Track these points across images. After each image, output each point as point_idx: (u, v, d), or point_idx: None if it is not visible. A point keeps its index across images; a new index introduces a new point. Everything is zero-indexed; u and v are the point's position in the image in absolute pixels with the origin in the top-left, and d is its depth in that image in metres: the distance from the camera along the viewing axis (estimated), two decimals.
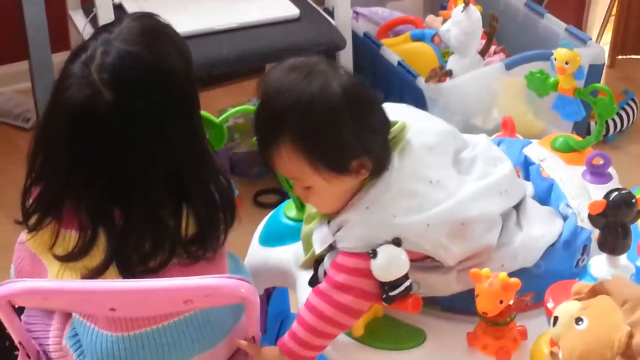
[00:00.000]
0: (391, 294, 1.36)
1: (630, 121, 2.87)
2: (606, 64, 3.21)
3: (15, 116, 2.90)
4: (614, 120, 2.82)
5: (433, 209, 1.37)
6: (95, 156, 1.32)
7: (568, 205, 1.56)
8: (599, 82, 2.51)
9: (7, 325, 1.40)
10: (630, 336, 1.19)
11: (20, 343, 1.45)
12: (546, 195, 1.63)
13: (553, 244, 1.49)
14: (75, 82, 1.29)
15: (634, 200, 1.42)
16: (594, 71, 2.44)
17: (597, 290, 1.28)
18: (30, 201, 1.38)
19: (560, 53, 1.83)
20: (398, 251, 1.35)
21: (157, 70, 1.31)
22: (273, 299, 1.84)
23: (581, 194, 1.60)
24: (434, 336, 1.46)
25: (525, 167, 1.68)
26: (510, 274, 1.37)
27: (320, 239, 1.43)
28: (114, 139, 1.31)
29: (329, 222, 1.41)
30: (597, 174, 1.75)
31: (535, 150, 1.73)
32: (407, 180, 1.38)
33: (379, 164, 1.37)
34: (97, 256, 1.35)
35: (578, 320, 1.25)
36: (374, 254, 1.34)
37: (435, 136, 1.46)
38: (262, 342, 1.51)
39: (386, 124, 1.39)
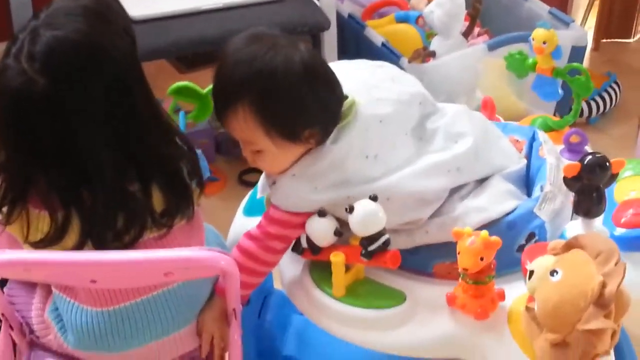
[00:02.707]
0: (369, 248, 1.41)
1: (613, 103, 2.90)
2: (590, 47, 3.25)
3: None
4: (596, 102, 2.85)
5: (358, 186, 1.44)
6: (45, 143, 1.32)
7: (541, 189, 1.56)
8: (582, 64, 2.54)
9: None
10: (603, 286, 1.24)
11: (2, 314, 1.47)
12: (535, 173, 1.64)
13: (497, 220, 1.49)
14: (9, 74, 1.29)
15: (608, 164, 1.45)
16: (577, 53, 2.47)
17: (571, 245, 1.32)
18: None
19: (537, 33, 1.85)
20: (374, 207, 1.39)
21: (87, 51, 1.30)
22: None
23: (560, 185, 1.58)
24: (414, 297, 1.48)
25: (531, 142, 1.69)
26: (446, 243, 1.42)
27: (261, 186, 1.55)
28: (58, 123, 1.31)
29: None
30: (575, 151, 1.77)
31: (543, 132, 1.74)
32: (339, 154, 1.44)
33: (325, 136, 1.44)
34: (71, 237, 1.36)
35: (553, 272, 1.29)
36: (350, 209, 1.39)
37: (391, 106, 1.50)
38: (244, 316, 1.54)
39: (340, 100, 1.45)
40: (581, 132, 1.79)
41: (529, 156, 1.66)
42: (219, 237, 1.64)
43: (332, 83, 1.45)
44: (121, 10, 1.40)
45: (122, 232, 1.37)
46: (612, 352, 1.40)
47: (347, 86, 1.48)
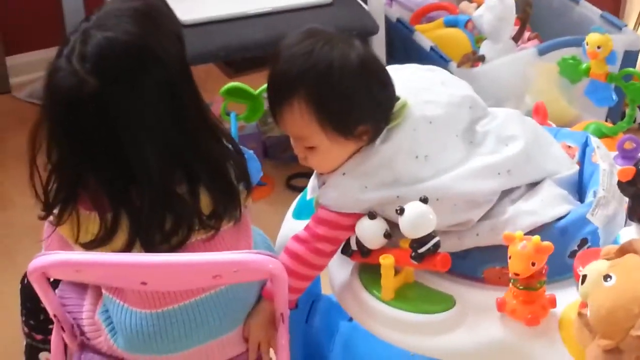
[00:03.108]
0: (419, 251, 1.41)
1: None
2: None
3: None
4: None
5: (408, 186, 1.45)
6: (95, 143, 1.34)
7: (594, 194, 1.55)
8: (635, 69, 2.51)
9: (42, 297, 1.43)
10: None
11: (55, 316, 1.48)
12: (588, 179, 1.63)
13: (549, 225, 1.48)
14: (61, 75, 1.31)
15: None
16: (629, 58, 2.45)
17: (625, 249, 1.30)
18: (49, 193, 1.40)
19: (592, 38, 1.84)
20: (425, 208, 1.40)
21: (137, 52, 1.32)
22: None
23: (614, 191, 1.56)
24: (463, 302, 1.47)
25: (583, 148, 1.68)
26: (496, 247, 1.42)
27: (310, 187, 1.56)
28: (108, 123, 1.33)
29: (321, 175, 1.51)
30: (629, 157, 1.75)
31: (596, 138, 1.73)
32: (388, 153, 1.45)
33: (377, 134, 1.46)
34: (120, 238, 1.37)
35: (606, 277, 1.27)
36: (401, 210, 1.39)
37: (441, 109, 1.50)
38: (292, 320, 1.54)
39: (392, 99, 1.47)
40: (635, 138, 1.77)
41: (581, 162, 1.65)
42: (267, 240, 1.65)
43: (385, 81, 1.47)
44: (171, 14, 1.42)
45: (170, 234, 1.38)
46: None
47: (398, 88, 1.49)
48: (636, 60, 2.53)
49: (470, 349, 1.44)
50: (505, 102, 2.42)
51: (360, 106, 1.43)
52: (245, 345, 1.52)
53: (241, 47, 2.27)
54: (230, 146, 1.47)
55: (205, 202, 1.41)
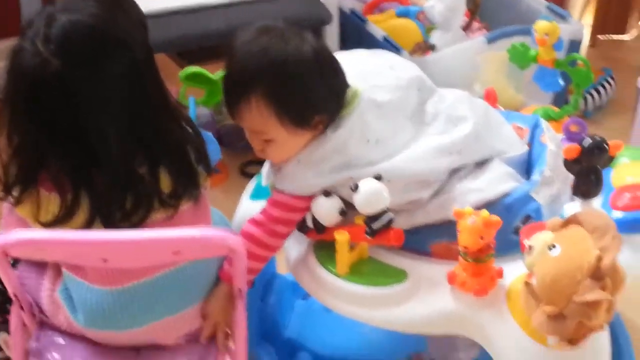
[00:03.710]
0: (373, 226, 1.46)
1: (608, 97, 2.95)
2: (588, 43, 3.31)
3: None
4: (592, 95, 2.90)
5: (360, 169, 1.49)
6: (57, 124, 1.36)
7: (540, 173, 1.59)
8: None
9: (3, 276, 1.44)
10: (599, 259, 1.28)
11: (15, 295, 1.49)
12: (536, 159, 1.67)
13: (495, 202, 1.53)
14: (25, 55, 1.33)
15: (606, 145, 1.50)
16: (574, 46, 2.52)
17: (569, 221, 1.36)
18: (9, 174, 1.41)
19: (540, 25, 1.90)
20: (379, 185, 1.44)
21: (101, 35, 1.34)
22: None
23: (559, 171, 1.62)
24: (415, 275, 1.52)
25: (533, 130, 1.73)
26: (443, 223, 1.47)
27: (265, 173, 1.60)
28: (70, 105, 1.34)
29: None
30: (574, 139, 1.79)
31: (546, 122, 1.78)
32: (341, 139, 1.49)
33: (332, 122, 1.50)
34: (80, 217, 1.39)
35: (551, 247, 1.33)
36: (355, 187, 1.44)
37: (390, 93, 1.55)
38: (248, 298, 1.56)
39: (344, 87, 1.51)
40: (581, 120, 1.83)
41: (531, 143, 1.70)
42: (225, 220, 1.68)
43: (337, 70, 1.51)
44: (134, 2, 1.44)
45: (130, 212, 1.41)
46: (607, 327, 1.45)
47: (348, 74, 1.54)
48: (579, 49, 2.61)
49: (423, 320, 1.50)
50: None
51: (316, 97, 1.47)
52: (202, 321, 1.55)
53: (198, 37, 2.29)
54: (189, 129, 1.50)
55: (165, 182, 1.43)
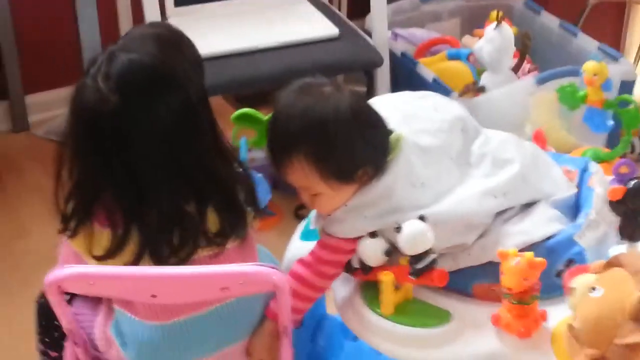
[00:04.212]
0: (417, 267, 1.48)
1: None
2: None
3: None
4: None
5: (408, 213, 1.50)
6: (113, 158, 1.41)
7: (586, 216, 1.58)
8: None
9: (58, 311, 1.50)
10: None
11: (69, 330, 1.54)
12: (584, 202, 1.66)
13: (537, 244, 1.53)
14: (86, 92, 1.40)
15: None
16: (626, 87, 2.51)
17: (612, 263, 1.37)
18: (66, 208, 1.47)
19: (588, 65, 1.91)
20: (422, 226, 1.46)
21: (161, 76, 1.40)
22: None
23: (606, 215, 1.60)
24: (460, 316, 1.53)
25: (582, 173, 1.72)
26: (485, 264, 1.49)
27: (313, 218, 1.62)
28: (125, 139, 1.40)
29: None
30: (624, 181, 1.80)
31: (595, 163, 1.78)
32: (387, 184, 1.51)
33: (378, 172, 1.51)
34: (130, 250, 1.44)
35: (593, 289, 1.34)
36: (398, 228, 1.46)
37: (434, 137, 1.57)
38: (297, 338, 1.60)
39: (386, 138, 1.53)
40: (631, 162, 1.81)
41: (579, 186, 1.69)
42: (273, 259, 1.71)
43: (377, 122, 1.53)
44: (191, 43, 1.50)
45: (178, 249, 1.45)
46: None
47: (390, 118, 1.56)
48: (632, 90, 2.60)
49: None
50: (506, 132, 2.49)
51: (358, 153, 1.48)
52: (248, 358, 1.58)
53: (251, 80, 2.33)
54: (240, 170, 1.54)
55: (212, 221, 1.47)
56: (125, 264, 1.45)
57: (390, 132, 1.54)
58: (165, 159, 1.42)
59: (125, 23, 2.73)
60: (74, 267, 1.42)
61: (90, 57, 2.07)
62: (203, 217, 1.46)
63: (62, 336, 1.60)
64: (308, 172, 1.48)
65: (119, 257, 1.44)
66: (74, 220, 1.46)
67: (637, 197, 1.51)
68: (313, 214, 1.64)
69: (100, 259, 1.46)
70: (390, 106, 1.59)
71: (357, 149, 1.49)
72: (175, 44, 1.46)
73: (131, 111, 1.39)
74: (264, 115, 1.65)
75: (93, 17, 2.46)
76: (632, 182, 1.51)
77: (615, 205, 1.53)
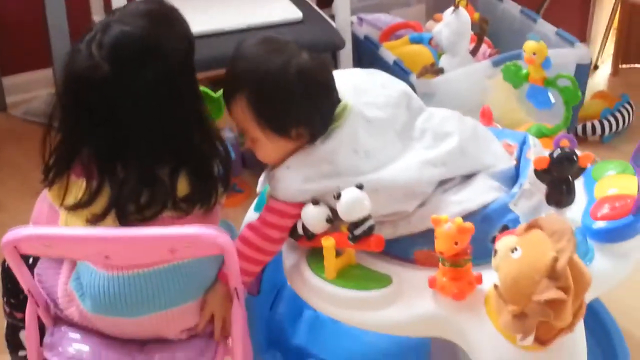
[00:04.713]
0: (355, 232, 1.55)
1: (626, 123, 3.00)
2: (610, 72, 3.38)
3: (46, 116, 3.11)
4: (609, 121, 2.95)
5: (348, 177, 1.59)
6: (98, 118, 1.52)
7: (520, 186, 1.66)
8: (586, 81, 2.67)
9: (16, 272, 1.57)
10: (555, 260, 1.37)
11: (29, 291, 1.62)
12: (522, 173, 1.73)
13: (474, 212, 1.61)
14: (80, 56, 1.51)
15: (575, 157, 1.58)
16: (581, 70, 2.60)
17: (531, 226, 1.45)
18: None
19: (528, 45, 1.98)
20: (360, 194, 1.54)
21: (149, 48, 1.51)
22: (268, 268, 1.97)
23: (539, 185, 1.67)
24: (400, 281, 1.61)
25: (521, 146, 1.80)
26: (425, 232, 1.57)
27: (261, 181, 1.71)
28: (112, 104, 1.51)
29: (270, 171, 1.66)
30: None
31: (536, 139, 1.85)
32: (330, 150, 1.60)
33: (316, 135, 1.61)
34: (99, 204, 1.54)
35: (513, 250, 1.42)
36: (337, 196, 1.54)
37: (380, 110, 1.67)
38: (256, 306, 1.68)
39: (332, 106, 1.62)
40: (570, 136, 1.88)
41: (518, 159, 1.77)
42: (233, 230, 1.78)
43: (328, 90, 1.62)
44: (182, 19, 1.59)
45: (144, 208, 1.54)
46: (580, 330, 1.52)
47: (341, 90, 1.65)
48: (588, 73, 2.69)
49: (406, 322, 1.58)
50: (465, 113, 2.57)
51: (293, 112, 1.59)
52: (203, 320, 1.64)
53: (217, 61, 2.38)
54: (220, 148, 1.63)
55: (182, 186, 1.56)
56: (93, 216, 1.53)
57: (338, 101, 1.63)
58: (146, 124, 1.53)
59: (96, 7, 2.79)
60: (29, 228, 1.49)
61: (55, 50, 2.18)
62: (174, 182, 1.55)
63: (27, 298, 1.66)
64: (247, 114, 1.59)
65: (87, 208, 1.54)
66: (53, 171, 1.56)
67: (561, 166, 1.59)
68: (261, 177, 1.73)
69: (71, 208, 1.55)
70: (340, 79, 1.67)
71: (294, 108, 1.59)
72: (166, 19, 1.56)
73: (119, 78, 1.49)
74: (215, 93, 1.74)
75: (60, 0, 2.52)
76: (556, 152, 1.59)
77: (541, 174, 1.60)
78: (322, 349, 2.03)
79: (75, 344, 1.64)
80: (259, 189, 1.75)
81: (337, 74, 1.69)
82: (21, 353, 1.93)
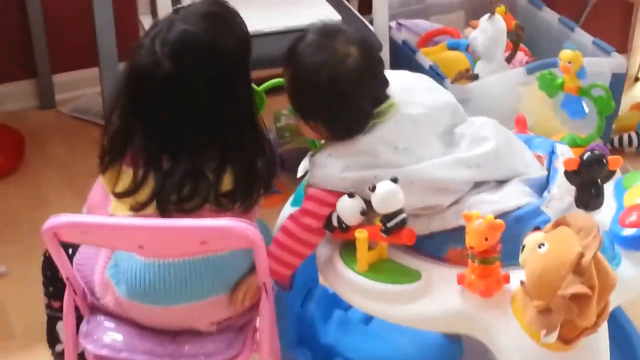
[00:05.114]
0: (388, 225, 1.58)
1: None
2: None
3: (93, 114, 3.20)
4: None
5: (385, 169, 1.63)
6: (151, 110, 1.60)
7: (549, 191, 1.68)
8: (622, 91, 2.67)
9: (55, 258, 1.62)
10: (581, 255, 1.39)
11: (67, 278, 1.67)
12: (551, 182, 1.74)
13: (507, 213, 1.63)
14: (143, 52, 1.58)
15: (604, 160, 1.60)
16: (617, 80, 2.61)
17: (558, 223, 1.47)
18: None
19: (563, 54, 1.99)
20: (394, 187, 1.58)
21: (209, 49, 1.58)
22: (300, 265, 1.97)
23: (569, 190, 1.69)
24: (429, 276, 1.63)
25: (550, 156, 1.81)
26: (457, 229, 1.59)
27: (302, 167, 1.79)
28: (167, 98, 1.58)
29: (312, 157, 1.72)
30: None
31: (563, 146, 1.86)
32: (369, 143, 1.65)
33: (334, 135, 1.68)
34: (144, 194, 1.60)
35: (540, 245, 1.44)
36: (372, 188, 1.58)
37: (425, 109, 1.70)
38: (288, 302, 1.73)
39: (353, 112, 1.66)
40: (601, 145, 1.92)
41: (548, 169, 1.79)
42: (269, 232, 1.81)
43: (350, 105, 1.65)
44: (241, 21, 1.67)
45: (185, 200, 1.60)
46: (604, 332, 1.53)
47: (390, 87, 1.70)
48: (623, 82, 2.69)
49: (433, 317, 1.60)
50: (499, 120, 2.58)
51: (307, 108, 1.69)
52: (233, 310, 1.69)
53: (257, 61, 2.44)
54: (267, 150, 1.70)
55: (226, 182, 1.62)
56: (137, 204, 1.60)
57: (385, 97, 1.68)
58: (200, 121, 1.60)
59: (143, 7, 2.84)
60: (68, 215, 1.54)
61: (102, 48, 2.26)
62: (219, 177, 1.61)
63: (65, 286, 1.71)
64: (287, 88, 1.70)
65: (133, 197, 1.60)
66: (107, 158, 1.64)
67: (591, 168, 1.61)
68: (302, 164, 1.80)
69: (119, 195, 1.62)
70: (392, 77, 1.73)
71: (309, 105, 1.68)
72: (226, 21, 1.63)
73: (179, 75, 1.57)
74: (258, 87, 1.80)
75: (107, 1, 2.58)
76: (586, 154, 1.61)
77: (571, 176, 1.62)
78: (350, 349, 2.05)
79: (110, 332, 1.69)
80: (299, 174, 1.81)
81: (388, 73, 1.75)
82: (58, 348, 1.99)
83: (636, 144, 2.96)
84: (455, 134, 1.74)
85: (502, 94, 2.50)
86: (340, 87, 1.64)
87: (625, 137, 2.95)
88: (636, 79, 3.46)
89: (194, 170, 1.60)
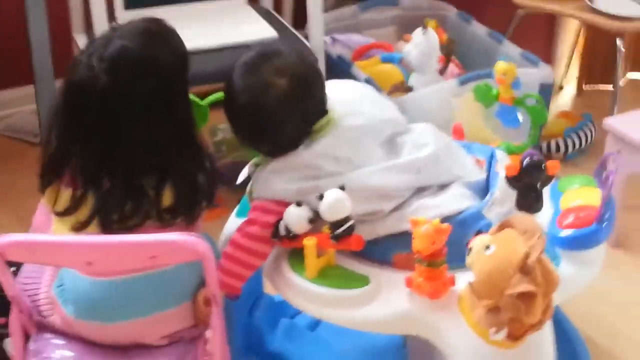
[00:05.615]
0: (336, 232, 1.61)
1: (588, 141, 3.10)
2: (574, 92, 3.50)
3: (26, 132, 3.16)
4: (572, 140, 3.05)
5: (329, 178, 1.67)
6: (88, 128, 1.59)
7: (491, 195, 1.73)
8: (550, 100, 2.76)
9: (1, 278, 1.58)
10: (527, 255, 1.44)
11: (13, 297, 1.64)
12: (492, 185, 1.80)
13: (450, 217, 1.68)
14: (81, 67, 1.58)
15: (543, 165, 1.65)
16: (545, 89, 2.68)
17: (504, 225, 1.53)
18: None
19: (498, 66, 2.07)
20: (341, 194, 1.61)
21: (146, 64, 1.59)
22: None
23: (509, 194, 1.73)
24: (377, 280, 1.66)
25: (489, 161, 1.86)
26: (402, 234, 1.64)
27: (241, 175, 1.81)
28: (105, 115, 1.58)
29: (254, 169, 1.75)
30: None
31: (501, 152, 1.92)
32: (311, 157, 1.69)
33: (270, 149, 1.73)
34: (83, 213, 1.59)
35: (487, 247, 1.49)
36: (320, 196, 1.61)
37: (367, 120, 1.74)
38: (236, 311, 1.73)
39: (301, 123, 1.70)
40: (535, 152, 1.97)
41: (488, 172, 1.84)
42: (212, 241, 1.81)
43: (275, 122, 1.69)
44: (178, 37, 1.68)
45: (127, 217, 1.59)
46: (549, 329, 1.58)
47: (333, 99, 1.73)
48: (551, 91, 2.78)
49: (383, 319, 1.63)
50: None
51: (238, 127, 1.74)
52: (183, 323, 1.69)
53: (195, 78, 2.45)
54: (207, 164, 1.70)
55: (167, 197, 1.62)
56: (77, 224, 1.59)
57: (324, 112, 1.70)
58: (137, 137, 1.59)
59: (77, 26, 2.82)
60: (14, 235, 1.52)
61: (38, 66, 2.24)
62: (159, 192, 1.61)
63: (10, 303, 1.68)
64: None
65: (74, 215, 1.59)
66: (46, 177, 1.63)
67: (531, 173, 1.65)
68: (243, 171, 1.82)
69: (60, 214, 1.61)
70: (335, 88, 1.77)
71: (238, 124, 1.74)
72: (163, 38, 1.64)
73: (116, 90, 1.56)
74: (202, 101, 1.81)
75: (42, 19, 2.55)
76: (526, 159, 1.66)
77: (512, 181, 1.67)
78: (297, 356, 2.07)
79: (59, 350, 1.67)
80: (240, 179, 1.82)
81: (333, 83, 1.79)
82: None
83: (563, 150, 3.06)
84: (397, 143, 1.78)
85: (436, 105, 2.55)
86: (263, 110, 1.68)
87: (553, 143, 3.05)
88: (560, 88, 3.58)
89: (134, 187, 1.60)
